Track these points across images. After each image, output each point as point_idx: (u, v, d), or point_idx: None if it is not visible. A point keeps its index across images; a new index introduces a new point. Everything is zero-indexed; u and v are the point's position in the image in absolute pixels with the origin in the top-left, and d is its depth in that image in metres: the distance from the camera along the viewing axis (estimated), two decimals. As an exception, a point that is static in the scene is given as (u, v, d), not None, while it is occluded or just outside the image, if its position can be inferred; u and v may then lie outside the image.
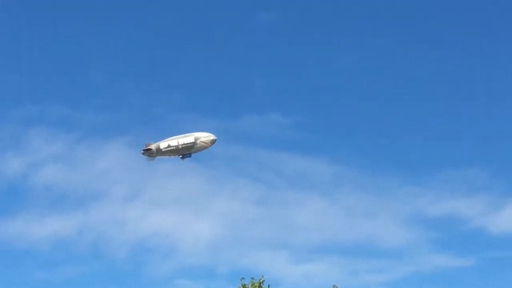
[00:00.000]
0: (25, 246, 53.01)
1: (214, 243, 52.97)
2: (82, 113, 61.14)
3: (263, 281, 15.85)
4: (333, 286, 16.59)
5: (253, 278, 15.79)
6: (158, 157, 31.56)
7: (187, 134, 32.03)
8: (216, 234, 53.04)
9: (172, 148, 31.46)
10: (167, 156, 31.73)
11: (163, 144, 31.35)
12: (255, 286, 15.67)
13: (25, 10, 68.77)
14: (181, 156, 31.67)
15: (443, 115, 65.67)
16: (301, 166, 56.03)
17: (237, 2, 69.62)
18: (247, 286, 15.65)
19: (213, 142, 32.85)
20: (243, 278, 15.76)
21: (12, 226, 53.44)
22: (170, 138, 31.52)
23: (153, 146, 31.14)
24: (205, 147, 32.41)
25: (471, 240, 54.30)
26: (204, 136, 32.42)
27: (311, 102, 65.35)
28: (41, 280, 51.29)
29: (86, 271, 52.08)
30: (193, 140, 31.95)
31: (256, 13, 67.19)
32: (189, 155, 31.91)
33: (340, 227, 55.21)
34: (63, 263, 52.36)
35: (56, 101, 63.40)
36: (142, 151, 31.06)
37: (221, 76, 66.36)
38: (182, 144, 31.58)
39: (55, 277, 51.36)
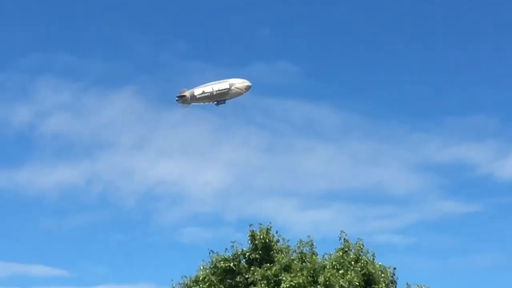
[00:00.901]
0: (33, 195, 55.04)
1: (221, 191, 53.93)
2: (89, 62, 62.43)
3: (270, 227, 17.67)
4: (341, 232, 18.16)
5: (261, 224, 17.66)
6: (192, 104, 32.69)
7: (222, 81, 32.91)
8: (224, 182, 54.73)
9: (206, 94, 32.32)
10: (202, 103, 32.86)
11: (197, 91, 32.28)
12: (263, 233, 17.49)
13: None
14: (215, 102, 32.76)
15: (451, 60, 64.02)
16: (308, 113, 56.33)
17: None
18: (255, 232, 17.47)
19: (248, 88, 33.66)
20: (251, 224, 17.59)
21: (20, 175, 54.42)
22: (205, 84, 32.57)
23: (187, 93, 32.14)
24: (239, 93, 33.36)
25: (479, 186, 55.48)
26: (239, 83, 33.27)
27: (318, 49, 64.98)
28: (49, 228, 53.25)
29: (94, 219, 54.20)
30: (228, 87, 32.78)
31: None
32: (224, 101, 32.88)
33: (347, 174, 56.64)
34: (71, 211, 54.82)
35: (63, 50, 65.66)
36: (176, 98, 32.25)
37: (227, 24, 65.51)
38: (216, 91, 32.45)
39: (63, 225, 53.47)
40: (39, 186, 54.34)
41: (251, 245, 17.38)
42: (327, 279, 16.32)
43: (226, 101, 33.24)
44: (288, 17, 66.00)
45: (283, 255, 17.28)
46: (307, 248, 17.88)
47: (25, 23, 64.90)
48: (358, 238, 17.79)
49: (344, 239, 17.80)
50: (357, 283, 16.53)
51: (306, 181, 54.73)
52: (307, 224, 50.14)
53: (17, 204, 55.70)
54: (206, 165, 54.96)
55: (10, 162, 62.28)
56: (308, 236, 18.05)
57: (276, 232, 17.75)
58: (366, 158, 56.28)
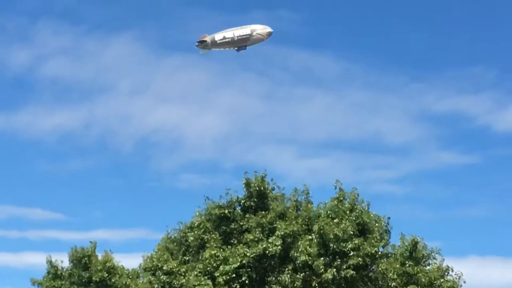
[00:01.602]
0: (31, 138, 54.49)
1: (219, 138, 53.80)
2: (90, 6, 60.26)
3: (265, 175, 17.74)
4: (336, 181, 18.01)
5: (256, 172, 17.75)
6: (212, 49, 32.42)
7: (243, 26, 32.34)
8: (222, 129, 54.75)
9: (227, 40, 31.91)
10: (222, 49, 32.51)
11: (218, 36, 31.88)
12: (258, 180, 17.59)
13: None
14: (236, 48, 32.38)
15: (450, 13, 62.15)
16: (307, 62, 54.76)
17: None
18: (250, 180, 17.59)
19: (269, 34, 32.97)
20: (246, 172, 17.70)
21: (19, 118, 53.62)
22: (226, 30, 32.12)
23: (207, 38, 31.77)
24: (261, 39, 32.73)
25: (477, 138, 54.85)
26: (260, 28, 32.56)
27: None
28: (46, 171, 52.74)
29: (92, 164, 53.88)
30: (249, 32, 32.18)
31: None
32: (244, 47, 32.43)
33: (346, 123, 56.76)
34: (69, 155, 54.95)
35: None
36: (197, 43, 31.98)
37: None
38: (238, 36, 31.93)
39: (61, 169, 53.11)
40: (38, 129, 55.14)
41: (246, 193, 17.56)
42: (321, 227, 16.41)
43: (247, 47, 32.91)
44: None
45: (278, 203, 17.46)
46: (303, 197, 17.94)
47: None
48: (353, 188, 17.63)
49: (340, 188, 17.66)
50: (351, 232, 16.51)
51: (304, 129, 54.34)
52: (304, 172, 50.33)
53: (15, 147, 55.59)
54: (204, 111, 55.46)
55: (9, 105, 62.97)
56: (304, 185, 18.09)
57: (272, 180, 17.86)
58: (365, 107, 56.35)
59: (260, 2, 59.30)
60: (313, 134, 54.15)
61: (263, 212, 17.06)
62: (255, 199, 17.46)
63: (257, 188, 17.38)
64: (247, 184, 17.46)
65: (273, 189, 17.84)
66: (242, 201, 17.53)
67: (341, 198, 17.48)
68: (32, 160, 55.44)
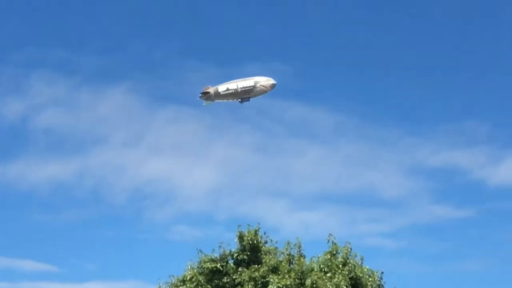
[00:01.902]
0: (25, 189, 54.21)
1: (213, 190, 53.30)
2: (84, 57, 60.61)
3: (258, 228, 17.82)
4: (329, 235, 17.98)
5: (249, 225, 17.82)
6: (216, 101, 33.01)
7: (247, 78, 32.99)
8: (215, 181, 53.49)
9: (231, 91, 32.44)
10: (225, 100, 33.10)
11: (221, 88, 32.45)
12: (251, 234, 17.65)
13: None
14: (239, 100, 32.97)
15: (444, 66, 63.79)
16: (301, 114, 54.72)
17: None
18: (243, 233, 17.68)
19: (273, 86, 33.58)
20: (240, 225, 17.80)
21: (13, 168, 53.79)
22: (229, 81, 32.85)
23: (211, 90, 32.33)
24: (264, 91, 33.32)
25: (471, 192, 54.76)
26: (264, 80, 33.20)
27: (313, 50, 62.99)
28: (39, 223, 52.49)
29: (85, 215, 53.77)
30: (253, 84, 32.77)
31: None
32: (248, 99, 32.99)
33: (339, 176, 55.40)
34: (62, 207, 54.21)
35: (57, 44, 62.92)
36: (200, 95, 32.56)
37: (223, 23, 64.11)
38: (241, 88, 32.47)
39: (54, 220, 52.91)
40: (31, 180, 54.26)
41: (239, 246, 17.54)
42: (314, 282, 16.29)
43: (250, 98, 33.58)
44: (285, 17, 64.27)
45: (271, 257, 17.38)
46: (295, 250, 17.84)
47: (20, 17, 63.92)
48: (346, 242, 17.59)
49: (333, 242, 17.63)
50: (345, 287, 16.37)
51: (297, 182, 53.79)
52: (297, 226, 49.73)
53: (8, 198, 56.00)
54: (197, 163, 55.14)
55: (2, 156, 62.69)
56: (297, 238, 18.05)
57: (265, 233, 17.85)
58: (359, 160, 55.61)
59: (254, 55, 60.27)
60: (306, 186, 53.63)
61: (256, 265, 16.97)
62: (248, 253, 17.41)
63: (250, 242, 17.37)
64: (240, 238, 17.48)
65: (266, 242, 17.81)
66: (235, 255, 17.49)
67: (334, 252, 17.41)
68: (24, 211, 54.69)
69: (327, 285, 16.15)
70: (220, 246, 17.56)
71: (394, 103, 61.77)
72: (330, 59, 62.03)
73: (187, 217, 53.95)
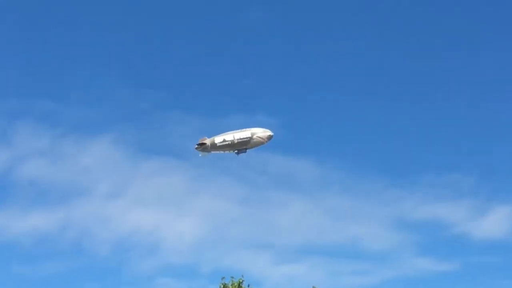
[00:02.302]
0: (7, 240, 53.83)
1: (197, 242, 53.33)
2: (68, 108, 62.13)
3: (242, 281, 16.18)
4: (312, 287, 16.36)
5: (233, 278, 16.24)
6: (212, 152, 32.04)
7: (243, 129, 32.24)
8: (199, 233, 53.41)
9: (227, 143, 31.74)
10: (222, 152, 32.12)
11: (218, 139, 31.73)
12: (235, 286, 15.97)
13: (10, 7, 69.37)
14: (236, 151, 31.99)
15: (428, 120, 65.61)
16: (286, 166, 55.87)
17: (223, 2, 68.48)
18: (227, 285, 15.93)
19: (269, 138, 32.80)
20: (223, 277, 16.18)
21: None
22: (226, 133, 31.98)
23: (207, 141, 31.59)
24: (261, 142, 32.47)
25: (455, 245, 54.98)
26: (261, 132, 32.47)
27: (298, 103, 65.21)
28: (21, 274, 51.58)
29: (68, 267, 52.77)
30: (250, 135, 32.07)
31: (243, 12, 67.80)
32: (245, 150, 32.09)
33: (323, 229, 55.18)
34: (45, 258, 52.98)
35: (41, 95, 64.76)
36: (196, 146, 31.77)
37: (208, 75, 66.92)
38: (238, 139, 31.77)
39: (36, 272, 51.88)
40: (13, 231, 54.01)
41: (223, 298, 15.72)
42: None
43: (247, 150, 32.42)
44: (268, 70, 67.19)
45: (255, 310, 15.45)
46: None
47: (4, 68, 66.34)
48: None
49: (317, 293, 15.71)
50: None
51: (281, 234, 54.19)
52: (281, 278, 50.05)
53: None
54: (182, 215, 55.55)
55: None
56: (281, 291, 16.18)
57: (248, 286, 16.30)
58: (343, 213, 56.65)
59: (238, 107, 61.37)
60: (291, 239, 53.80)
61: (240, 320, 15.10)
62: (232, 306, 15.54)
63: (234, 294, 15.56)
64: (224, 290, 15.67)
65: (249, 294, 15.96)
66: (219, 307, 15.65)
67: (318, 304, 15.48)
68: (6, 262, 53.94)
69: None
70: (202, 300, 15.66)
71: (378, 156, 63.35)
72: (313, 112, 64.71)
73: (171, 269, 53.34)
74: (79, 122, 63.28)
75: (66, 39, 68.14)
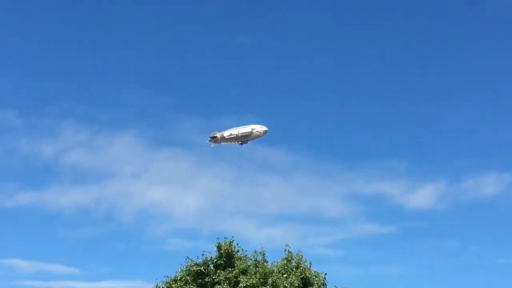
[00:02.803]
0: (54, 211, 71.14)
1: (199, 212, 70.37)
2: (101, 110, 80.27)
3: (232, 240, 22.93)
4: (286, 245, 23.06)
5: (226, 238, 22.93)
6: (221, 143, 38.81)
7: (245, 126, 38.94)
8: (201, 205, 70.61)
9: (233, 136, 38.22)
10: (229, 143, 38.92)
11: (226, 133, 38.12)
12: (227, 244, 22.76)
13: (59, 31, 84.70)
14: (240, 142, 38.75)
15: (373, 117, 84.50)
16: (267, 155, 70.60)
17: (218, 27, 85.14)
18: (221, 244, 22.84)
19: (265, 132, 39.33)
20: (218, 238, 22.93)
21: (45, 195, 71.25)
22: (232, 128, 38.65)
23: (218, 135, 37.96)
24: (259, 135, 38.95)
25: (393, 213, 71.93)
26: (258, 127, 38.91)
27: (276, 107, 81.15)
28: (66, 237, 68.45)
29: (101, 232, 70.09)
30: (250, 130, 38.50)
31: (234, 37, 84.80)
32: (246, 142, 38.84)
33: (295, 201, 74.44)
34: (83, 225, 70.95)
35: (81, 100, 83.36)
36: (209, 139, 38.30)
37: (206, 83, 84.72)
38: (241, 133, 38.23)
39: (77, 235, 69.16)
40: (59, 204, 70.44)
41: (217, 254, 22.60)
42: (274, 281, 21.31)
43: (248, 141, 39.33)
44: (254, 82, 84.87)
45: (241, 262, 22.45)
46: (260, 257, 22.94)
47: (52, 80, 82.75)
48: (298, 251, 22.72)
49: (288, 251, 22.80)
50: (297, 285, 21.38)
51: (263, 206, 71.07)
52: (262, 239, 69.60)
53: (42, 218, 72.38)
54: (188, 191, 73.30)
55: (38, 186, 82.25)
56: (262, 248, 23.18)
57: (237, 244, 22.84)
58: (309, 189, 73.59)
59: (231, 109, 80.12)
60: (270, 209, 71.88)
61: (230, 268, 21.92)
62: (224, 259, 22.42)
63: (226, 250, 22.38)
64: (219, 247, 22.48)
65: (238, 251, 22.79)
66: (214, 260, 22.48)
67: (290, 258, 22.51)
68: (54, 228, 72.39)
69: (284, 284, 21.12)
70: (203, 254, 22.70)
71: (337, 145, 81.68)
72: (288, 114, 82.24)
73: (179, 232, 71.37)
74: (110, 121, 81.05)
75: (100, 57, 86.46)
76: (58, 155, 73.28)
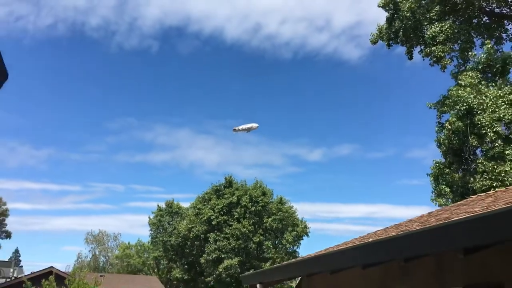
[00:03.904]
0: None
1: (218, 162, 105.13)
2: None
3: (231, 176, 52.04)
4: (256, 178, 51.89)
5: (229, 175, 52.03)
6: (238, 132, 67.60)
7: (248, 124, 67.42)
8: (219, 159, 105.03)
9: (245, 128, 67.30)
10: (242, 132, 67.78)
11: (241, 127, 66.99)
12: (229, 177, 52.01)
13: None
14: (247, 132, 67.35)
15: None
16: (246, 136, 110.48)
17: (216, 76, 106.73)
18: (226, 177, 52.02)
19: (257, 127, 68.07)
20: (225, 174, 51.82)
21: None
22: (243, 124, 67.01)
23: (236, 127, 67.00)
24: (255, 128, 67.62)
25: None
26: (255, 125, 67.58)
27: (253, 116, 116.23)
28: None
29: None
30: (251, 125, 67.43)
31: (229, 84, 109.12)
32: (249, 131, 67.50)
33: (258, 157, 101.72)
34: None
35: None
36: (233, 129, 67.10)
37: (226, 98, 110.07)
38: (247, 127, 67.17)
39: None
40: None
41: (225, 181, 51.73)
42: (250, 193, 50.40)
43: (250, 131, 68.00)
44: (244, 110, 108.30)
45: (236, 185, 51.42)
46: (244, 183, 51.77)
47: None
48: (260, 179, 51.39)
49: (256, 180, 51.55)
50: (260, 193, 50.30)
51: (245, 159, 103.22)
52: (245, 175, 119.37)
53: None
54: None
55: None
56: (244, 179, 51.77)
57: (233, 177, 52.07)
58: (265, 151, 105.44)
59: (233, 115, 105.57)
60: (250, 161, 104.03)
61: (230, 188, 51.00)
62: (227, 183, 51.51)
63: (229, 180, 51.35)
64: (225, 179, 51.52)
65: (234, 180, 51.83)
66: (223, 184, 51.57)
67: (256, 183, 51.19)
68: None
69: (254, 193, 50.05)
70: (219, 181, 51.73)
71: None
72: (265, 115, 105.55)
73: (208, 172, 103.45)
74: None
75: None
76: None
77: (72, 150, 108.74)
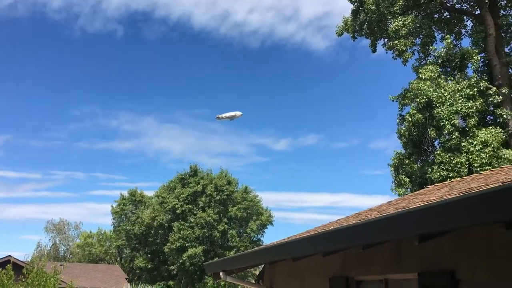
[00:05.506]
0: None
1: (185, 150, 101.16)
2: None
3: (196, 164, 52.05)
4: (220, 167, 51.96)
5: (194, 163, 52.01)
6: (222, 120, 67.08)
7: (232, 112, 67.30)
8: (186, 147, 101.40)
9: (228, 116, 66.88)
10: (226, 120, 67.16)
11: (224, 115, 65.70)
12: (194, 166, 51.95)
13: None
14: (230, 119, 67.17)
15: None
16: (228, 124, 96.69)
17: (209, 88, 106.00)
18: (191, 165, 51.98)
19: (241, 115, 68.02)
20: (190, 163, 51.93)
21: None
22: (226, 112, 66.78)
23: (220, 115, 66.48)
24: (238, 116, 67.52)
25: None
26: (238, 113, 67.55)
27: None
28: None
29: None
30: (234, 114, 67.14)
31: (221, 95, 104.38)
32: (233, 119, 67.29)
33: (227, 145, 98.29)
34: None
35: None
36: (216, 117, 66.38)
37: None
38: (231, 116, 66.84)
39: None
40: None
41: (190, 170, 51.59)
42: (215, 182, 50.38)
43: (234, 119, 68.05)
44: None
45: (201, 174, 51.40)
46: (209, 171, 51.80)
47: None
48: (226, 169, 51.46)
49: (222, 168, 51.64)
50: (226, 182, 50.33)
51: (213, 150, 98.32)
52: (211, 164, 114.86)
53: None
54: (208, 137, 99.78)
55: None
56: (210, 168, 51.91)
57: (198, 166, 52.03)
58: (234, 139, 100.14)
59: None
60: (220, 150, 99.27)
61: (195, 177, 50.92)
62: (192, 172, 51.50)
63: (194, 169, 51.38)
64: (191, 167, 51.42)
65: (199, 169, 51.83)
66: (188, 173, 51.48)
67: (222, 173, 51.33)
68: None
69: (220, 182, 50.05)
70: (184, 170, 51.56)
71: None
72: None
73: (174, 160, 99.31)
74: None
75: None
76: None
77: (32, 137, 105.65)
